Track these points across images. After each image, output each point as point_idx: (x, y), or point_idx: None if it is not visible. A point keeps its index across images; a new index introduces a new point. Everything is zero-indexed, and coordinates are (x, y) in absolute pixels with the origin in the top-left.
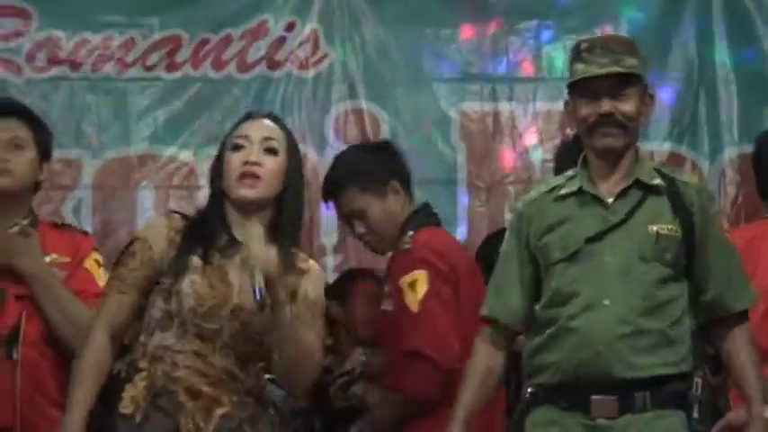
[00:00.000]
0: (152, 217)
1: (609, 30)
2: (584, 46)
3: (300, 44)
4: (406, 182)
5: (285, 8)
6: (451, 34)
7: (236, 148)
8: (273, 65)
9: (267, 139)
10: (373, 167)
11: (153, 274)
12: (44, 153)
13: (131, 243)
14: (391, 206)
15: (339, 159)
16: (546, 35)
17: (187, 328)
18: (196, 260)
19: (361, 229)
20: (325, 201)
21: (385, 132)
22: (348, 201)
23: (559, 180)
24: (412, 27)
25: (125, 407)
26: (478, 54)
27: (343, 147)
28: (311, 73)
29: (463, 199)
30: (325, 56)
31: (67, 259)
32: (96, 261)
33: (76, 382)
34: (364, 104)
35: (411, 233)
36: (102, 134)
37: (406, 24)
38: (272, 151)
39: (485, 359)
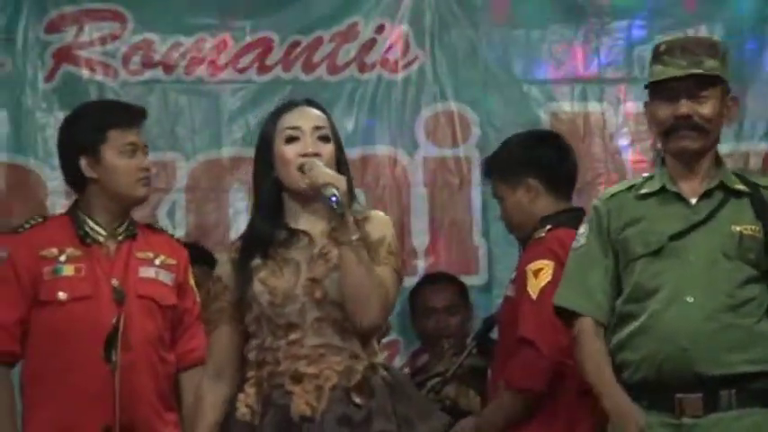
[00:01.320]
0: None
1: (702, 29)
2: (663, 47)
3: (390, 46)
4: (555, 180)
5: (375, 10)
6: (542, 35)
7: (290, 140)
8: (363, 67)
9: (318, 128)
10: (513, 161)
11: (233, 299)
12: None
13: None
14: (520, 200)
15: (502, 144)
16: (637, 35)
17: (276, 321)
18: (257, 261)
19: (502, 213)
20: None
21: (475, 134)
22: (494, 185)
23: (637, 180)
24: (502, 28)
25: (242, 414)
26: (569, 55)
27: (433, 149)
28: (401, 75)
29: None
30: (415, 58)
31: (174, 261)
32: (194, 279)
33: None
34: (454, 106)
35: (549, 227)
36: (194, 136)
37: (495, 25)
38: (325, 139)
39: (600, 347)
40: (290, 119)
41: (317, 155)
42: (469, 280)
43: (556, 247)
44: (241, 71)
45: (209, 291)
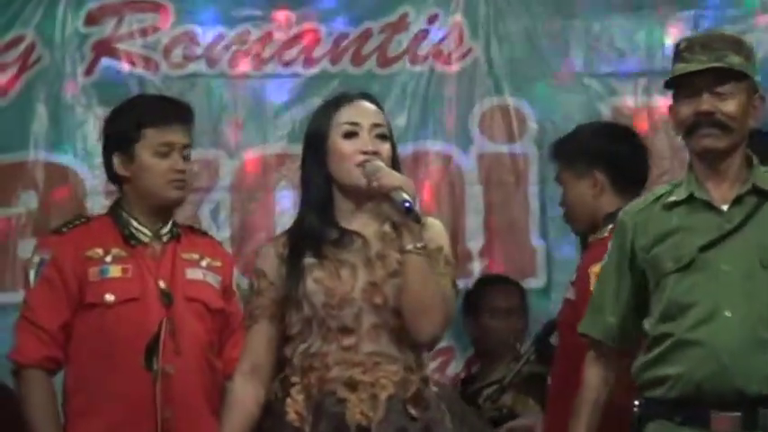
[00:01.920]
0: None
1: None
2: (683, 45)
3: (443, 38)
4: (623, 178)
5: (427, 0)
6: (603, 25)
7: (349, 135)
8: (415, 59)
9: (377, 125)
10: (583, 149)
11: (277, 296)
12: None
13: (249, 285)
14: (583, 192)
15: (575, 129)
16: (704, 26)
17: (328, 325)
18: (310, 260)
19: (562, 200)
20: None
21: (532, 130)
22: (558, 169)
23: (665, 188)
24: (561, 18)
25: (293, 420)
26: (632, 46)
27: (489, 146)
28: (455, 68)
29: None
30: (469, 50)
31: (219, 264)
32: (238, 284)
33: None
34: (510, 101)
35: (612, 226)
36: (238, 133)
37: (554, 16)
38: (383, 138)
39: (592, 384)
40: (348, 113)
41: (375, 153)
42: (527, 283)
43: None
44: (287, 64)
45: (251, 285)
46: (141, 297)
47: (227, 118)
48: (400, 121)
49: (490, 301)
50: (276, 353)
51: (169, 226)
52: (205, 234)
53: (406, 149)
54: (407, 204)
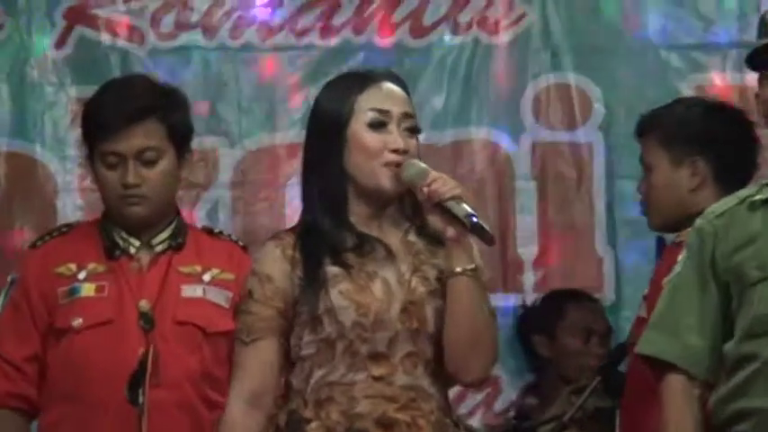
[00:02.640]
0: (261, 247)
1: None
2: None
3: (490, 2)
4: (730, 169)
5: None
6: None
7: (376, 125)
8: (457, 28)
9: (407, 116)
10: (687, 129)
11: (285, 305)
12: (184, 141)
13: (244, 292)
14: (678, 181)
15: (673, 102)
16: None
17: (356, 349)
18: (333, 268)
19: (644, 185)
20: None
21: (598, 114)
22: (646, 146)
23: (751, 189)
24: None
25: None
26: (721, 13)
27: (544, 133)
28: (504, 38)
29: None
30: (521, 16)
31: (231, 276)
32: None
33: None
34: (572, 78)
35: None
36: (242, 118)
37: None
38: (411, 132)
39: (688, 416)
40: (376, 98)
41: (406, 153)
42: None
43: None
44: (300, 34)
45: (250, 291)
46: (116, 320)
47: (227, 99)
48: (437, 103)
49: (574, 319)
50: (280, 377)
51: (167, 233)
52: (226, 238)
53: (444, 137)
54: (474, 219)
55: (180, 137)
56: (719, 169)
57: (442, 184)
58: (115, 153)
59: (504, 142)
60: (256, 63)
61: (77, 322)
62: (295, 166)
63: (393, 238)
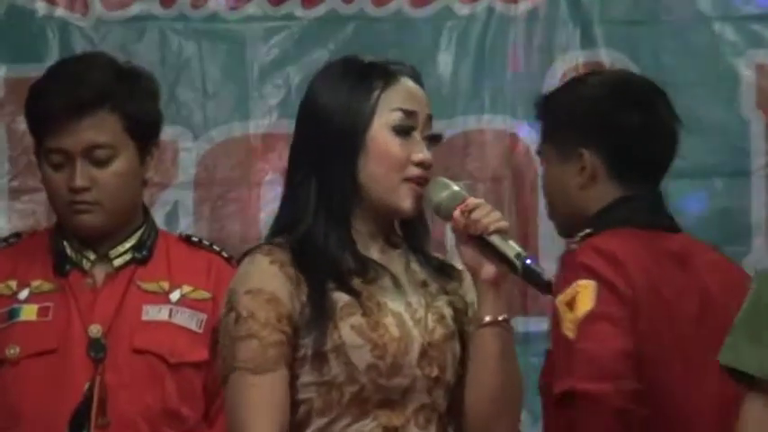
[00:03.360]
0: (246, 261)
1: None
2: None
3: None
4: (626, 161)
5: None
6: None
7: (404, 130)
8: None
9: (430, 120)
10: (577, 118)
11: (293, 332)
12: (146, 135)
13: (238, 313)
14: (566, 178)
15: (574, 81)
16: None
17: (368, 396)
18: (340, 295)
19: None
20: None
21: None
22: (540, 141)
23: None
24: None
25: None
26: None
27: None
28: (523, 7)
29: (760, 196)
30: None
31: (207, 295)
32: None
33: None
34: (604, 55)
35: (588, 231)
36: (207, 103)
37: None
38: (435, 140)
39: None
40: (403, 96)
41: (430, 167)
42: None
43: (592, 257)
44: (278, 3)
45: (237, 316)
46: (60, 349)
47: (189, 82)
48: (443, 87)
49: None
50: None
51: (129, 243)
52: (207, 248)
53: (453, 127)
54: (528, 261)
55: (141, 130)
56: (613, 162)
57: (485, 213)
58: (60, 151)
59: (524, 133)
60: (225, 37)
61: (13, 351)
62: (272, 161)
63: (396, 266)
